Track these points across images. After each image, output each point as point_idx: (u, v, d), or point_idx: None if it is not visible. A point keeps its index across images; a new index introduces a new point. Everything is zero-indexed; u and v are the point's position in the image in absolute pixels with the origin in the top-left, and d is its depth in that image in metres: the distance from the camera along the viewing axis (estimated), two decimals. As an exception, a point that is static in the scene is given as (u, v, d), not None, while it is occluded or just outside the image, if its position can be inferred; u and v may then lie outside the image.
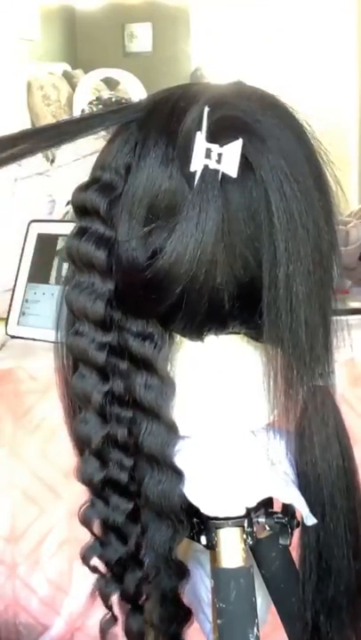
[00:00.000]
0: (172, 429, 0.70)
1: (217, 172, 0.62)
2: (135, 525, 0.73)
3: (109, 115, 0.70)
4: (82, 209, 0.69)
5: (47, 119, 4.16)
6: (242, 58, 4.50)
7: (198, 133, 0.62)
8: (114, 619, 0.77)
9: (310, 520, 0.74)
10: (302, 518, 0.75)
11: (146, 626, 0.75)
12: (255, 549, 0.81)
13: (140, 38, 5.08)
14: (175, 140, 0.64)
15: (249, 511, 0.75)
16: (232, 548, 0.75)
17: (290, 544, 0.80)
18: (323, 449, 0.73)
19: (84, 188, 0.69)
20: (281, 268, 0.64)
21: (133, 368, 0.69)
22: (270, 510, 0.79)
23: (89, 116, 0.73)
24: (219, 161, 0.62)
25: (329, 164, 0.69)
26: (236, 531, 0.75)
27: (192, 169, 0.63)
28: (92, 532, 0.74)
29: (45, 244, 1.56)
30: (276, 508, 0.79)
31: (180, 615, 0.74)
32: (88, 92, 3.82)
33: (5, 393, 1.41)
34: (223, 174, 0.62)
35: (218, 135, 0.62)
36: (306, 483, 0.75)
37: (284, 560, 0.83)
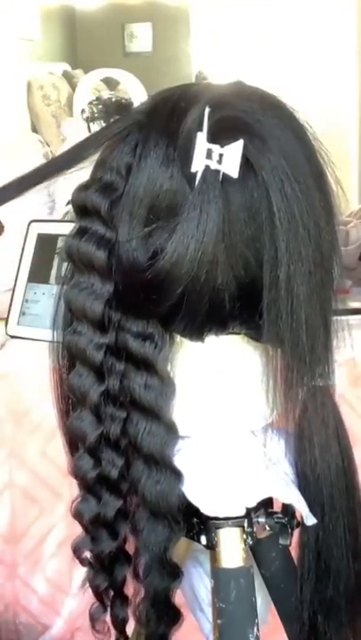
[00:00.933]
0: (171, 430, 0.70)
1: (218, 172, 0.62)
2: (125, 522, 0.73)
3: (106, 132, 0.71)
4: (82, 209, 0.69)
5: (47, 119, 4.16)
6: (242, 58, 4.50)
7: (199, 134, 0.62)
8: (103, 608, 0.78)
9: (310, 520, 0.74)
10: (302, 518, 0.75)
11: (137, 625, 0.76)
12: (255, 549, 0.81)
13: (140, 38, 5.08)
14: (176, 140, 0.64)
15: (249, 511, 0.75)
16: (232, 548, 0.75)
17: (290, 544, 0.80)
18: (322, 449, 0.73)
19: (84, 187, 0.69)
20: (282, 269, 0.64)
21: (133, 368, 0.69)
22: (270, 510, 0.79)
23: (87, 140, 0.73)
24: (220, 161, 0.62)
25: (329, 164, 0.69)
26: (236, 531, 0.75)
27: (193, 169, 0.63)
28: (84, 527, 0.75)
29: (45, 244, 1.56)
30: (276, 508, 0.79)
31: (170, 616, 0.74)
32: (88, 92, 3.82)
33: (5, 393, 1.41)
34: (224, 175, 0.62)
35: (219, 136, 0.62)
36: (305, 483, 0.74)
37: (284, 560, 0.83)
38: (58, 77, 4.50)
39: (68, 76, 4.59)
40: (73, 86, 4.35)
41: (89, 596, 0.78)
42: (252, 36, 4.58)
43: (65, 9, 4.84)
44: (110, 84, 4.25)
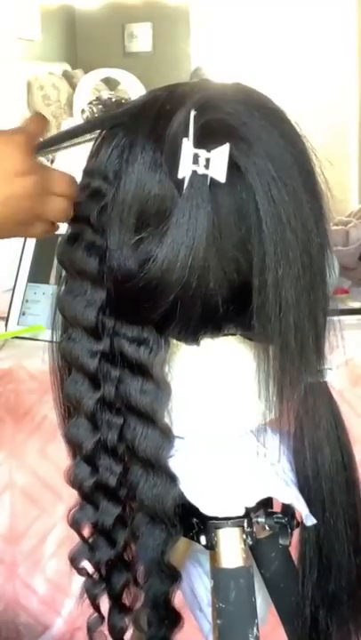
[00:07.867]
0: (166, 434, 0.70)
1: (205, 177, 0.62)
2: (124, 529, 0.73)
3: (96, 123, 0.70)
4: (72, 216, 0.69)
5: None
6: (242, 58, 4.50)
7: (185, 140, 0.61)
8: (101, 618, 0.77)
9: (310, 520, 0.74)
10: (302, 518, 0.75)
11: (135, 627, 0.76)
12: (255, 549, 0.81)
13: (140, 38, 5.08)
14: (163, 145, 0.64)
15: (248, 511, 0.75)
16: (232, 548, 0.75)
17: (289, 544, 0.80)
18: (320, 447, 0.73)
19: None
20: (270, 273, 0.63)
21: (129, 373, 0.69)
22: (270, 510, 0.79)
23: (76, 127, 0.71)
24: (207, 166, 0.61)
25: (319, 165, 0.68)
26: (236, 531, 0.75)
27: (180, 175, 0.62)
28: (81, 536, 0.74)
29: (45, 244, 1.56)
30: (276, 508, 0.79)
31: (171, 619, 0.74)
32: (88, 91, 3.81)
33: (5, 393, 1.41)
34: (212, 179, 0.62)
35: (205, 140, 0.61)
36: (305, 480, 0.75)
37: (284, 560, 0.83)
38: (58, 77, 4.50)
39: (68, 76, 4.59)
40: (73, 86, 4.34)
41: (79, 596, 0.78)
42: (252, 35, 4.58)
43: (65, 9, 4.84)
44: (110, 83, 4.24)
